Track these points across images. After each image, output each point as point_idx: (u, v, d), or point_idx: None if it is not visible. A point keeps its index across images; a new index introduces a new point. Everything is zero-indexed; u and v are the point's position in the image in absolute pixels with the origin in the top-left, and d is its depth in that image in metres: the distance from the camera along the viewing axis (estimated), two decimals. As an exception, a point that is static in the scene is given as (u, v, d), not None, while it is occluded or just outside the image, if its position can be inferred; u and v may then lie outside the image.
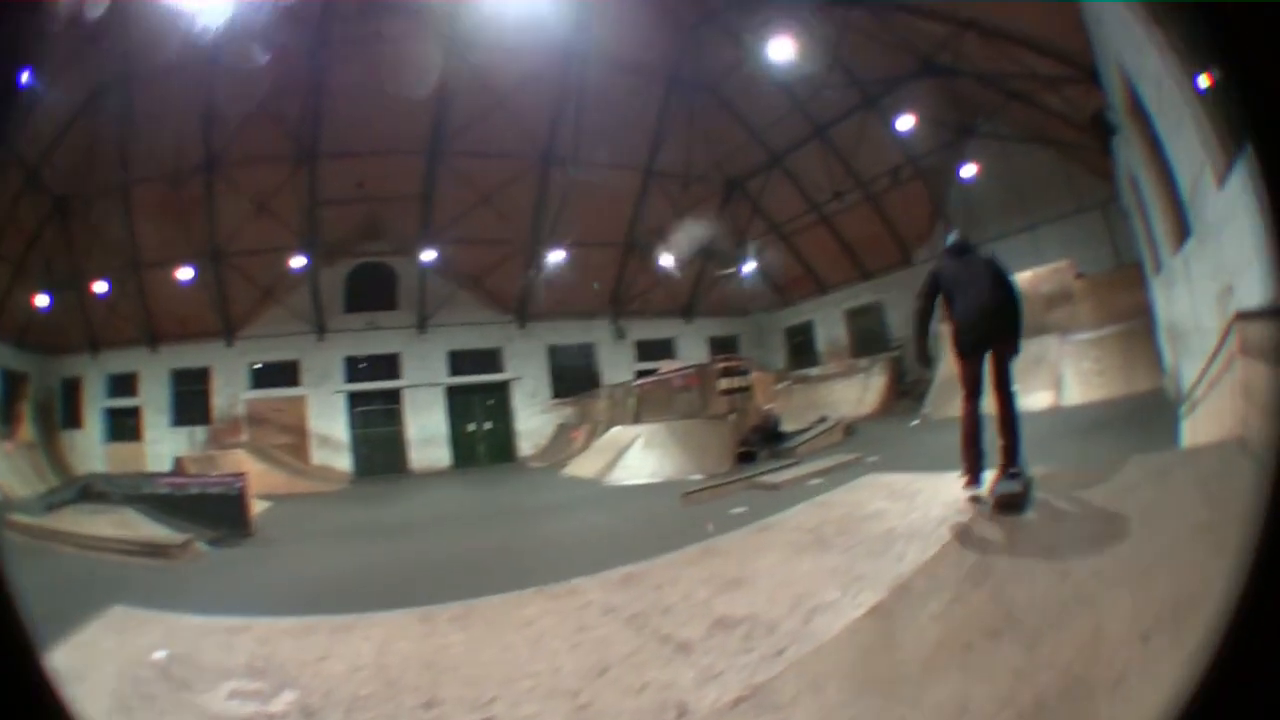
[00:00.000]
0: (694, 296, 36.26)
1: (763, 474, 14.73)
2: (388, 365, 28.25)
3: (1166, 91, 7.12)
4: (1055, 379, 18.95)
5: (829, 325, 36.25)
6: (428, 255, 26.00)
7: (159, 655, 5.45)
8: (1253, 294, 5.45)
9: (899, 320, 31.90)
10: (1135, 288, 19.24)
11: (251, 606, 8.01)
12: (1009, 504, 5.51)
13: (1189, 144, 7.03)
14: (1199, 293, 9.07)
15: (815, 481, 13.14)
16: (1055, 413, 17.34)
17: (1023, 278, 21.32)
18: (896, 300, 32.02)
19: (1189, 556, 3.38)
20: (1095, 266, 22.81)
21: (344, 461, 26.60)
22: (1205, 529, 3.61)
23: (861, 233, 32.77)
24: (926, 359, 8.02)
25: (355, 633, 5.54)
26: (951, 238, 7.60)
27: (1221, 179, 6.14)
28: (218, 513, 14.38)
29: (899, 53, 22.73)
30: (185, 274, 24.84)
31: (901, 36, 21.58)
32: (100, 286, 24.25)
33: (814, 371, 34.48)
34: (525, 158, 26.13)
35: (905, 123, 25.92)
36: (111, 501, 15.69)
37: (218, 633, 6.49)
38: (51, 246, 22.45)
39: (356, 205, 25.32)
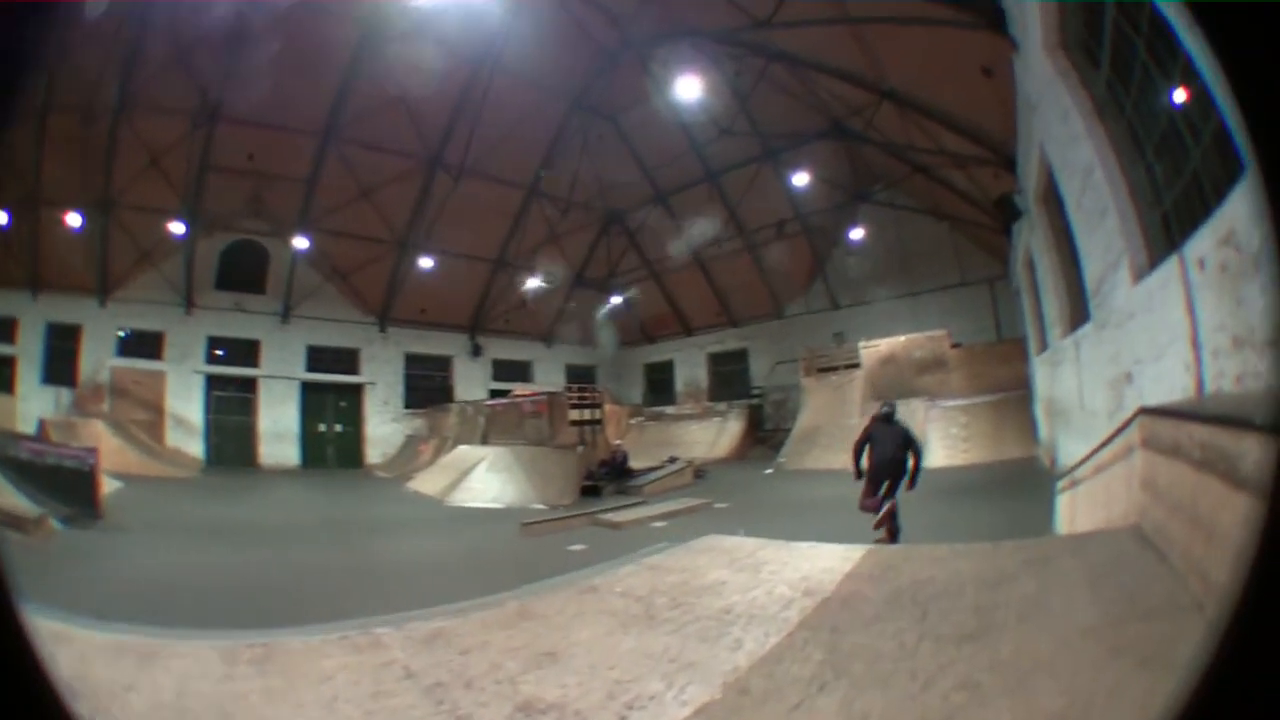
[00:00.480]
0: (557, 322, 36.48)
1: (606, 511, 14.70)
2: (247, 351, 27.08)
3: (1094, 185, 7.65)
4: (921, 440, 19.77)
5: (690, 366, 37.15)
6: (301, 242, 25.17)
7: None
8: (1156, 387, 6.01)
9: (762, 368, 33.13)
10: (1014, 362, 20.61)
11: (82, 607, 6.89)
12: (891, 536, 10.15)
13: (1107, 237, 7.58)
14: (1089, 377, 9.81)
15: (659, 524, 13.22)
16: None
17: (897, 342, 22.71)
18: (763, 350, 33.47)
19: (1079, 661, 3.11)
20: (975, 338, 24.15)
21: (197, 447, 25.26)
22: (1098, 629, 3.36)
23: (736, 280, 33.73)
24: (859, 473, 10.48)
25: (159, 663, 4.96)
26: (885, 409, 10.92)
27: (1139, 274, 6.67)
28: (70, 489, 13.51)
29: (808, 111, 23.43)
30: (75, 220, 23.28)
31: (815, 96, 22.21)
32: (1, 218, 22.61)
33: (670, 410, 34.97)
34: (414, 157, 25.80)
35: (800, 179, 26.62)
36: None
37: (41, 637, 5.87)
38: None
39: (243, 178, 24.31)
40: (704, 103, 24.16)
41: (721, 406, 32.73)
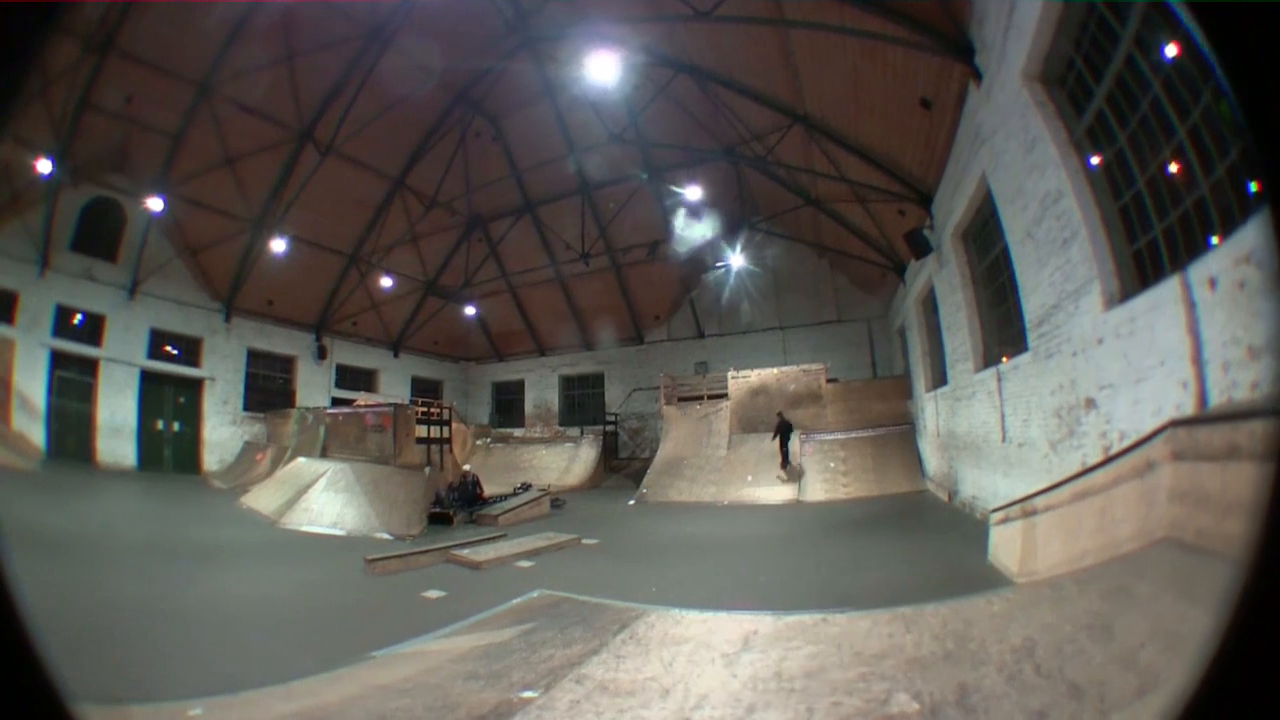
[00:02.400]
0: (406, 329, 35.70)
1: (464, 546, 13.87)
2: (93, 328, 24.69)
3: (1060, 213, 8.25)
4: (797, 474, 20.72)
5: (541, 388, 37.04)
6: (157, 204, 23.49)
7: None
8: (1134, 410, 6.55)
9: (619, 394, 33.42)
10: (892, 399, 21.71)
11: None
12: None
13: (1069, 266, 8.17)
14: (1020, 408, 10.51)
15: (525, 564, 12.53)
16: (796, 506, 18.98)
17: (769, 373, 23.60)
18: (620, 375, 33.76)
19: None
20: (849, 375, 25.31)
21: (38, 434, 22.78)
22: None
23: (597, 301, 33.91)
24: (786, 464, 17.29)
25: None
26: (783, 418, 20.41)
27: (1111, 301, 7.26)
28: None
29: (702, 132, 23.92)
30: None
31: (717, 116, 22.70)
32: None
33: (518, 432, 34.91)
34: (287, 128, 24.63)
35: (681, 202, 27.19)
36: None
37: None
38: None
39: (117, 122, 22.52)
40: (590, 114, 24.59)
41: (574, 432, 32.87)
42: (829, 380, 23.56)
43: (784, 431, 21.29)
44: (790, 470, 20.83)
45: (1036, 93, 8.60)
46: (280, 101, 23.75)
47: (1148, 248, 6.97)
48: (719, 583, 10.02)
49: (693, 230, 28.39)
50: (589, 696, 4.65)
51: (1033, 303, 9.67)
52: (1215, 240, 5.68)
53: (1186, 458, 4.99)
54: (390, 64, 23.52)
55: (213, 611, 8.97)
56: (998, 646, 4.22)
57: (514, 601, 8.94)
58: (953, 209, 13.70)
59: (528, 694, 4.76)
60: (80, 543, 12.49)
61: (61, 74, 20.26)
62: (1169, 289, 5.84)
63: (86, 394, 24.38)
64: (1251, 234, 4.62)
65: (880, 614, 5.83)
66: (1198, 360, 5.38)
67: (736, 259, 27.69)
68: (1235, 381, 4.84)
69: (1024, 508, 8.73)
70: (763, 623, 6.02)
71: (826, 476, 20.40)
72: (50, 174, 21.61)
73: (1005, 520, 9.40)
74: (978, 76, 10.48)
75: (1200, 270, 5.34)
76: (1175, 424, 5.32)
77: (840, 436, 21.65)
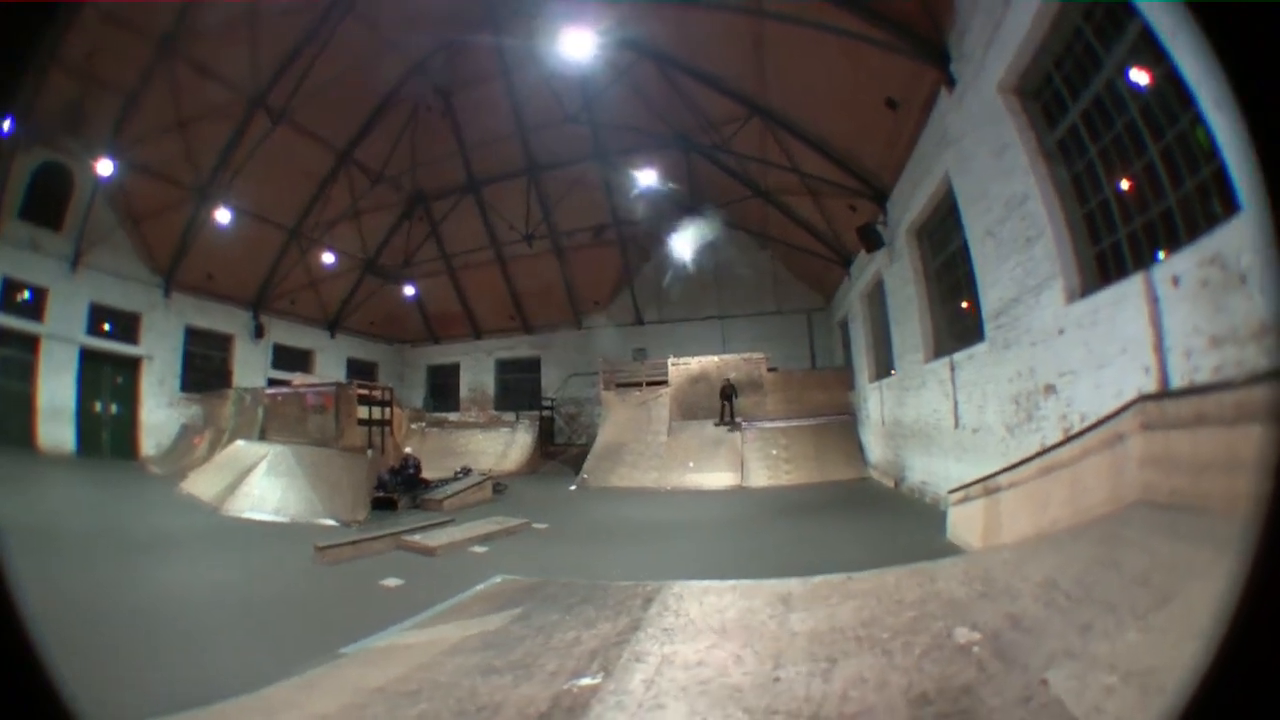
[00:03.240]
0: (344, 309, 35.35)
1: (415, 531, 13.51)
2: (36, 302, 23.70)
3: (1026, 214, 8.99)
4: (738, 461, 21.25)
5: (477, 371, 37.14)
6: (106, 168, 22.90)
7: None
8: (1095, 393, 7.27)
9: (555, 380, 33.77)
10: (833, 389, 22.52)
11: None
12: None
13: (1032, 263, 8.93)
14: (975, 395, 11.33)
15: (479, 549, 12.33)
16: (740, 492, 19.49)
17: (710, 361, 24.20)
18: (557, 360, 34.11)
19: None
20: (787, 365, 26.05)
21: None
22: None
23: (536, 284, 34.16)
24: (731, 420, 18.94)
25: None
26: (728, 382, 22.53)
27: (1072, 295, 8.03)
28: None
29: (655, 118, 24.21)
30: None
31: (675, 102, 23.10)
32: None
33: (453, 417, 34.69)
34: (240, 91, 24.11)
35: (626, 186, 27.35)
36: None
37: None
38: None
39: (75, 80, 22.09)
40: (540, 93, 24.79)
41: (510, 416, 32.81)
42: (770, 369, 24.34)
43: (729, 395, 23.56)
44: (731, 427, 22.73)
45: (1011, 103, 9.27)
46: (237, 64, 23.30)
47: (1110, 249, 7.69)
48: (684, 564, 10.08)
49: (638, 216, 28.93)
50: (661, 672, 4.37)
51: (991, 296, 10.39)
52: (1162, 254, 6.51)
53: (1156, 427, 5.57)
54: (350, 30, 23.34)
55: (157, 608, 8.27)
56: (1024, 584, 4.55)
57: (478, 588, 8.77)
58: (910, 206, 14.44)
59: (586, 681, 4.41)
60: (16, 534, 10.98)
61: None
62: (1132, 285, 6.55)
63: (27, 373, 23.44)
64: (1219, 239, 5.32)
65: (900, 570, 6.02)
66: (1159, 348, 6.08)
67: (681, 246, 28.03)
68: (1197, 366, 5.51)
69: (985, 486, 9.31)
70: (792, 585, 5.99)
71: (769, 463, 21.06)
72: (7, 133, 21.07)
73: (965, 499, 10.00)
74: (950, 83, 11.22)
75: (1164, 270, 6.07)
76: (1144, 398, 5.97)
77: (782, 424, 22.39)
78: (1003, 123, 9.46)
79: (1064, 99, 8.44)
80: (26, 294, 23.27)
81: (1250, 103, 1.49)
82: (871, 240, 16.52)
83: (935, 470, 13.68)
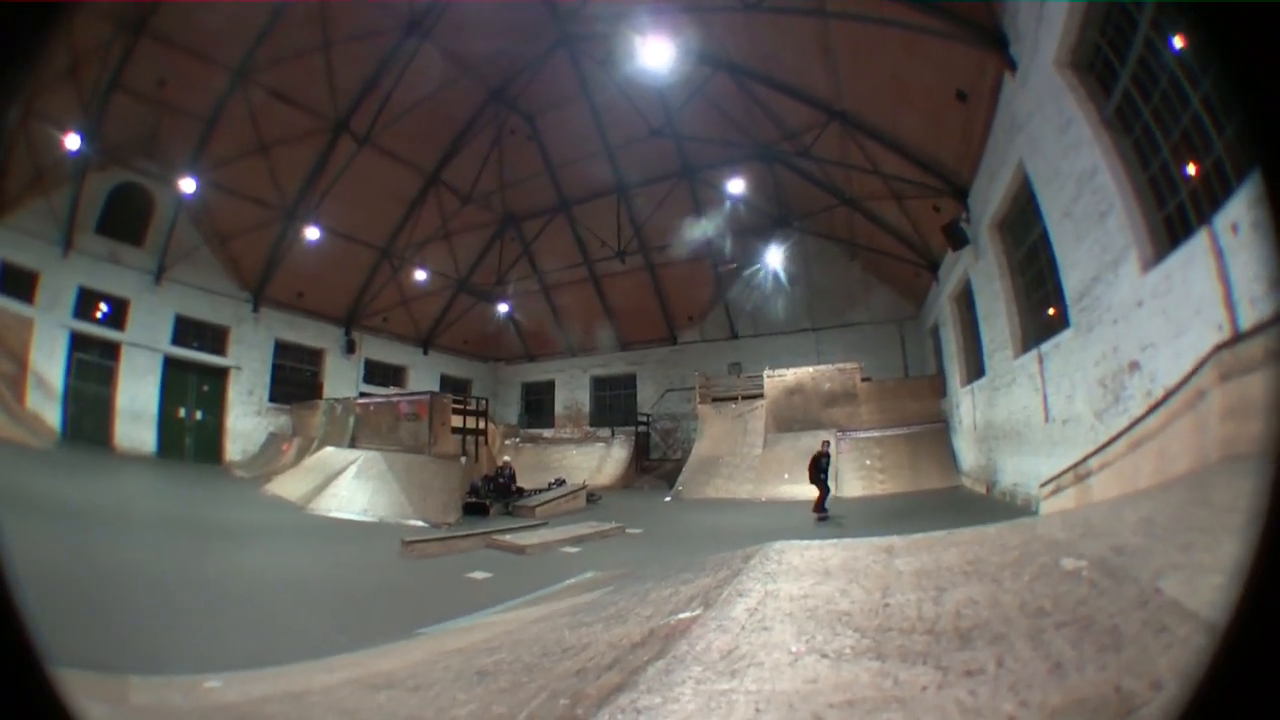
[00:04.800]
0: (436, 327, 36.02)
1: (505, 532, 13.68)
2: (117, 311, 25.10)
3: (1096, 188, 8.79)
4: (834, 472, 20.66)
5: (572, 388, 37.27)
6: (189, 185, 23.61)
7: None
8: (1175, 363, 6.98)
9: (651, 395, 33.65)
10: (925, 398, 22.12)
11: None
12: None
13: (1106, 237, 8.71)
14: (1064, 386, 11.00)
15: (571, 549, 12.39)
16: (835, 501, 18.86)
17: (805, 372, 23.87)
18: (652, 375, 33.99)
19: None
20: (881, 375, 25.49)
21: (54, 415, 23.16)
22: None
23: (631, 302, 34.23)
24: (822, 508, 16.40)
25: None
26: (825, 448, 17.59)
27: (1147, 264, 7.78)
28: None
29: (738, 131, 24.27)
30: None
31: (755, 113, 23.13)
32: None
33: (547, 433, 35.16)
34: (322, 118, 25.12)
35: (716, 202, 27.75)
36: None
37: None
38: None
39: (149, 107, 22.92)
40: (635, 104, 24.76)
41: (605, 432, 33.13)
42: (863, 379, 23.92)
43: (822, 466, 17.19)
44: (821, 517, 16.42)
45: (1069, 78, 9.15)
46: (316, 90, 24.24)
47: (1176, 211, 7.51)
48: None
49: (728, 230, 28.82)
50: (764, 603, 4.19)
51: (1073, 278, 10.17)
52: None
53: (1233, 375, 5.54)
54: (427, 57, 23.95)
55: (235, 586, 8.61)
56: (1120, 524, 4.45)
57: (569, 580, 8.85)
58: (990, 198, 14.23)
59: (684, 615, 4.29)
60: (96, 515, 12.30)
61: (92, 52, 20.59)
62: (1198, 242, 6.43)
63: (106, 377, 24.71)
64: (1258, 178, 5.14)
65: (1001, 524, 5.84)
66: (1229, 302, 5.93)
67: (771, 258, 27.90)
68: (1261, 313, 5.39)
69: (1076, 473, 9.26)
70: (893, 540, 5.78)
71: (863, 474, 20.77)
72: (77, 152, 22.02)
73: (1056, 491, 9.94)
74: (1012, 66, 11.05)
75: (1224, 219, 5.96)
76: (1219, 347, 5.87)
77: (875, 434, 22.01)
78: (1063, 99, 9.36)
79: (1114, 66, 8.32)
80: (101, 303, 24.58)
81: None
82: (956, 238, 16.23)
83: (1026, 470, 13.28)
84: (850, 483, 20.48)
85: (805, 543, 6.08)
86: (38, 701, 1.41)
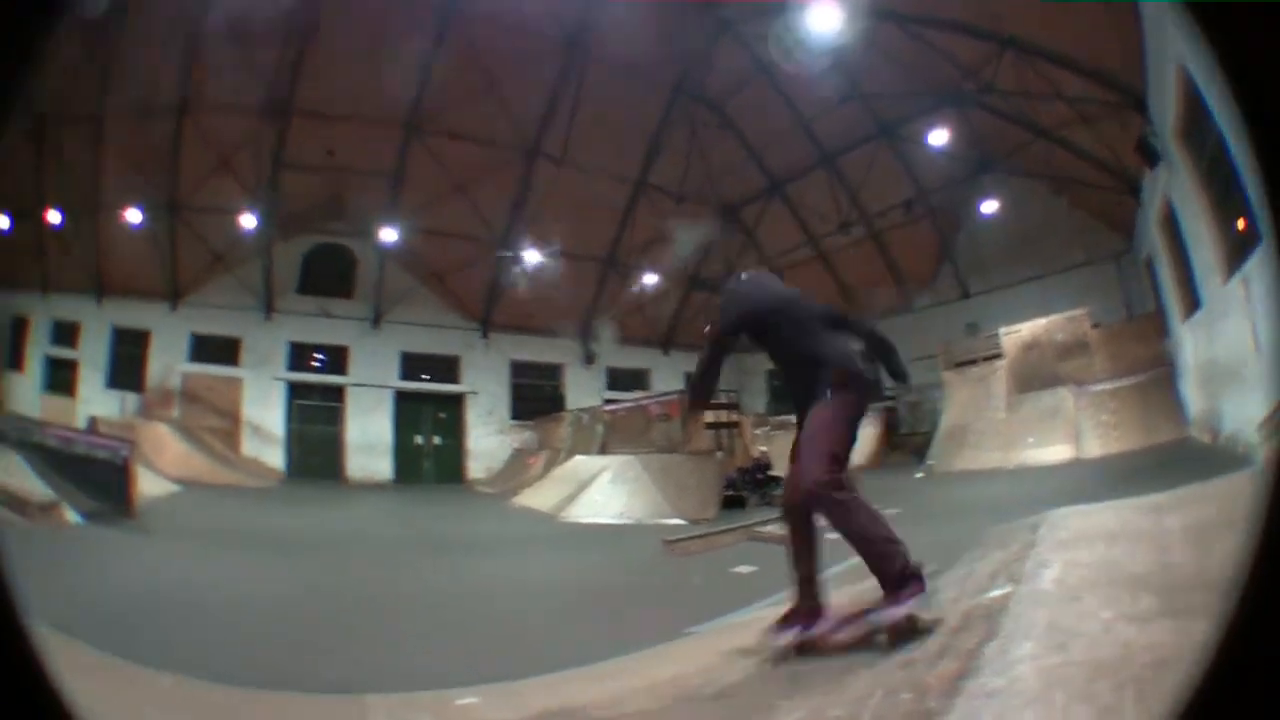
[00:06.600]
0: (674, 326, 35.84)
1: (764, 524, 12.81)
2: (335, 358, 27.36)
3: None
4: (1074, 432, 19.08)
5: (816, 370, 35.83)
6: (390, 240, 25.42)
7: None
8: None
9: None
10: (1149, 339, 19.69)
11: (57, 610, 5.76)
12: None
13: None
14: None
15: (833, 535, 11.90)
16: (1076, 465, 17.52)
17: (1038, 325, 22.04)
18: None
19: None
20: (1105, 318, 23.24)
21: (277, 457, 25.65)
22: None
23: (860, 273, 32.82)
24: None
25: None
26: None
27: None
28: (101, 482, 13.04)
29: (923, 77, 22.93)
30: (139, 221, 24.32)
31: (929, 58, 21.64)
32: (55, 217, 23.58)
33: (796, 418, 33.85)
34: (510, 149, 25.75)
35: (919, 155, 26.35)
36: (7, 443, 13.88)
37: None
38: (20, 166, 21.64)
39: (323, 175, 24.81)
40: (811, 81, 23.78)
41: (853, 413, 31.68)
42: (1093, 326, 21.65)
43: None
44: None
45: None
46: (496, 124, 24.91)
47: None
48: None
49: (938, 183, 27.52)
50: (1068, 572, 4.19)
51: (1259, 188, 8.34)
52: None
53: None
54: (597, 70, 24.17)
55: (489, 597, 8.62)
56: None
57: (835, 569, 8.47)
58: (1164, 107, 12.62)
59: (995, 593, 4.18)
60: (337, 539, 13.05)
61: (238, 145, 21.74)
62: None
63: (332, 418, 26.91)
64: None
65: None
66: None
67: (985, 207, 26.47)
68: None
69: None
70: (1157, 498, 5.83)
71: (1100, 431, 18.66)
72: (255, 230, 23.37)
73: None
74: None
75: None
76: None
77: (1109, 386, 19.72)
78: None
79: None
80: (319, 355, 26.84)
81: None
82: (1149, 154, 14.32)
83: (1245, 416, 11.21)
84: (1090, 442, 18.46)
85: (1085, 507, 6.28)
86: (37, 701, 1.39)
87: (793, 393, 4.83)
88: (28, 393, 23.91)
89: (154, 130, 22.78)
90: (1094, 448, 18.20)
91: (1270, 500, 1.32)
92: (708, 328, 5.55)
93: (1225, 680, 1.25)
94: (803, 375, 4.73)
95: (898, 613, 3.96)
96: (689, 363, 35.00)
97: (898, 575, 4.07)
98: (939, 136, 24.70)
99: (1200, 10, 1.43)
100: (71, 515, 11.76)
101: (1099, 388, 19.88)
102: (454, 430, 29.12)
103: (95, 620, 5.79)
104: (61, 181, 22.30)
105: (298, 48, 22.25)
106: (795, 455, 4.57)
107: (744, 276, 5.65)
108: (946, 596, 4.37)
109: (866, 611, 4.12)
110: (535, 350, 31.52)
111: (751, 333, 5.14)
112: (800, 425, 4.62)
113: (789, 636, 4.34)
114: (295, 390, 26.32)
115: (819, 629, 4.36)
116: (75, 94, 20.60)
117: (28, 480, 12.23)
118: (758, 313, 5.07)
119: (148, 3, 20.05)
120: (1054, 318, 22.67)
